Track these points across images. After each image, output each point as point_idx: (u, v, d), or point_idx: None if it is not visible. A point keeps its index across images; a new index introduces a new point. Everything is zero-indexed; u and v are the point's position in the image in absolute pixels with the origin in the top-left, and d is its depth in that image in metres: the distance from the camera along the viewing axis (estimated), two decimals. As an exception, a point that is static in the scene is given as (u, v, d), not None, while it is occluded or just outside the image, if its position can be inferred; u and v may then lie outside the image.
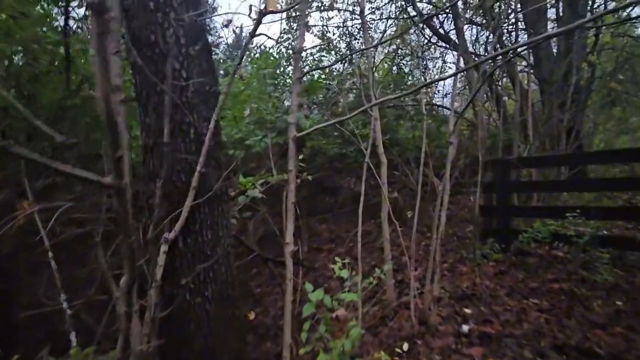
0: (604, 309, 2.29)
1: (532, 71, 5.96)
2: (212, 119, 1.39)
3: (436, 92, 8.31)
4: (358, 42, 7.88)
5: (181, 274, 1.44)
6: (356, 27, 7.55)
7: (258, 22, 1.21)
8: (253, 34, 1.27)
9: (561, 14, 5.54)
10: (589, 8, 6.15)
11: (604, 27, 7.16)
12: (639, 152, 2.73)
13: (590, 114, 8.50)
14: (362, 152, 6.42)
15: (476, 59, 6.04)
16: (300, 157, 3.22)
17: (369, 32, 7.33)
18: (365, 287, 2.08)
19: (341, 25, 7.72)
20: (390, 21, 7.70)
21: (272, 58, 4.74)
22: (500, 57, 5.34)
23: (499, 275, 3.05)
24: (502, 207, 3.45)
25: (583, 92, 6.22)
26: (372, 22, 7.15)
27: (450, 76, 2.24)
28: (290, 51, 5.31)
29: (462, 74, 5.95)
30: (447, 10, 6.61)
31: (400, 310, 2.69)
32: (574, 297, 2.47)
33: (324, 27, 8.18)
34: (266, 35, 1.52)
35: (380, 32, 8.75)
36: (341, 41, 8.06)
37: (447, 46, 7.36)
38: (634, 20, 7.31)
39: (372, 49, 7.85)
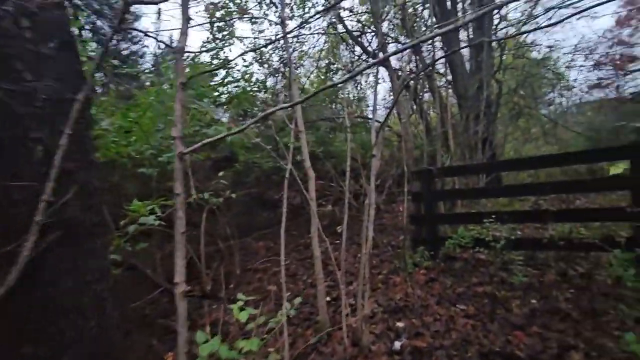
0: (522, 309, 2.40)
1: (450, 87, 6.47)
2: (64, 133, 1.08)
3: (366, 105, 8.63)
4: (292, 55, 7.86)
5: (25, 338, 1.07)
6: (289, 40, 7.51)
7: (123, 13, 1.00)
8: (119, 27, 1.04)
9: (471, 35, 6.10)
10: (492, 31, 6.91)
11: (507, 49, 8.17)
12: (540, 159, 3.03)
13: (500, 125, 9.58)
14: (299, 165, 6.26)
15: (400, 74, 6.37)
16: (221, 174, 2.95)
17: (299, 45, 7.36)
18: (272, 329, 1.85)
19: (273, 37, 7.64)
20: (320, 36, 7.85)
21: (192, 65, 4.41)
22: (422, 71, 5.69)
23: (429, 283, 3.08)
24: (430, 215, 3.55)
25: (493, 106, 6.92)
26: (302, 36, 7.17)
27: (348, 78, 2.22)
28: (216, 60, 5.03)
29: (390, 89, 6.24)
30: (372, 29, 6.95)
31: (334, 332, 2.54)
32: (495, 299, 2.56)
33: (255, 38, 8.04)
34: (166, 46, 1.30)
35: (312, 47, 8.89)
36: (274, 54, 7.97)
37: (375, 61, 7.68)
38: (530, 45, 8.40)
39: (295, 60, 7.84)
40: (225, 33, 5.17)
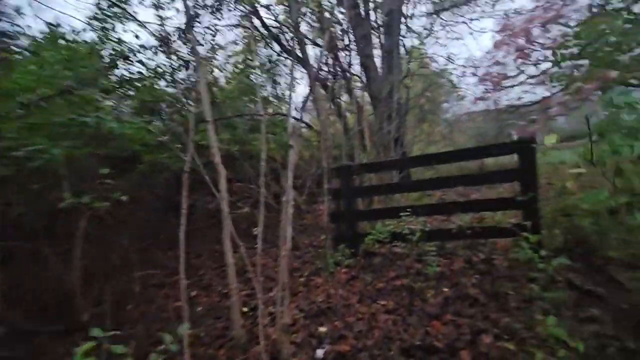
0: (436, 298, 2.47)
1: (365, 89, 6.73)
2: None
3: (286, 105, 8.49)
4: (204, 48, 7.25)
5: None
6: (197, 31, 6.89)
7: None
8: None
9: (383, 41, 6.43)
10: (401, 39, 7.44)
11: (412, 58, 8.92)
12: (447, 154, 3.26)
13: (409, 128, 10.49)
14: (214, 166, 5.72)
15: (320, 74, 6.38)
16: (105, 171, 2.41)
17: (210, 36, 6.82)
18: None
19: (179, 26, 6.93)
20: (237, 31, 7.44)
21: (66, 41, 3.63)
22: (339, 73, 5.77)
23: (350, 281, 3.03)
24: (349, 212, 3.52)
25: (403, 109, 7.47)
26: (214, 27, 6.66)
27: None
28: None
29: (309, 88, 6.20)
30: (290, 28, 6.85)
31: (251, 347, 2.26)
32: (413, 291, 2.60)
33: (161, 25, 7.20)
34: None
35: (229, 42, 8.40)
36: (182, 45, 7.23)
37: (293, 60, 7.59)
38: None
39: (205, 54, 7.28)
40: (117, 10, 4.42)
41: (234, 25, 6.88)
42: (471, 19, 9.15)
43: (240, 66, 7.83)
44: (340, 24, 6.91)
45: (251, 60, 7.96)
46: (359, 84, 6.84)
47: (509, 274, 2.58)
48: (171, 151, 5.03)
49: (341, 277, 3.10)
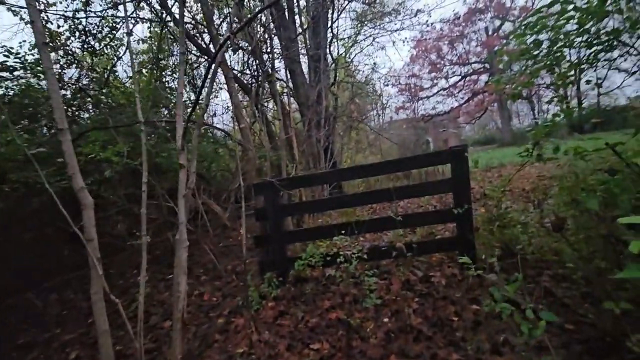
0: (377, 333, 2.14)
1: (292, 94, 6.37)
2: None
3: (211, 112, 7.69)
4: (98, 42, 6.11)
5: None
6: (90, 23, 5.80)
7: None
8: None
9: (308, 44, 6.15)
10: (328, 42, 7.28)
11: (339, 66, 8.88)
12: (383, 165, 2.98)
13: (339, 137, 10.46)
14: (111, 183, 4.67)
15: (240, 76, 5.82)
16: None
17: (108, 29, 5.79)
18: None
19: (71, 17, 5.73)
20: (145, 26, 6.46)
21: None
22: (263, 76, 5.29)
23: (278, 319, 2.54)
24: (276, 234, 3.05)
25: (332, 116, 7.30)
26: (110, 17, 5.66)
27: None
28: None
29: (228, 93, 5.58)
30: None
31: None
32: (350, 328, 2.23)
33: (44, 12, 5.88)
34: None
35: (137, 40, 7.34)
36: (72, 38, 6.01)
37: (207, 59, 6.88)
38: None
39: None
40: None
41: (139, 19, 5.93)
42: (392, 31, 9.52)
43: (147, 66, 6.85)
44: (265, 26, 6.47)
45: (162, 59, 7.03)
46: (285, 90, 6.44)
47: (449, 295, 2.38)
48: (51, 169, 3.99)
49: (267, 315, 2.60)
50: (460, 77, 33.52)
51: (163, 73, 6.96)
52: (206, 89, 2.22)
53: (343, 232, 2.77)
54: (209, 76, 2.62)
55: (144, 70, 7.05)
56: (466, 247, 2.55)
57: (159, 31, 6.19)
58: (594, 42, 2.20)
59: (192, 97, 7.25)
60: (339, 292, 2.76)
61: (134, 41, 7.40)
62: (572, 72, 2.35)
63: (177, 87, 1.98)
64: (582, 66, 2.41)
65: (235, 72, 6.17)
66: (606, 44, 2.19)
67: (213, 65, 2.05)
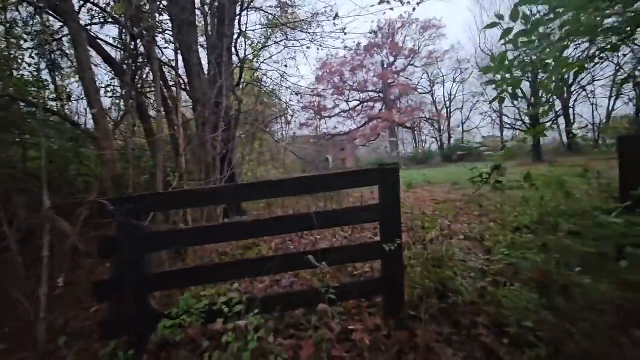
0: None
1: (184, 87, 5.25)
2: None
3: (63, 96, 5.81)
4: None
5: None
6: None
7: None
8: None
9: (209, 30, 5.19)
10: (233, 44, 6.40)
11: (246, 67, 8.04)
12: (286, 184, 2.27)
13: (240, 145, 9.47)
14: None
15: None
16: None
17: None
18: None
19: None
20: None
21: None
22: (142, 55, 4.10)
23: None
24: (133, 278, 2.02)
25: (233, 122, 6.37)
26: None
27: None
28: None
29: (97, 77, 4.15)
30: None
31: None
32: None
33: None
34: None
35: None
36: None
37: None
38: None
39: None
40: None
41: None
42: (302, 44, 9.18)
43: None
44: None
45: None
46: (175, 81, 5.27)
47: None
48: None
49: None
50: (359, 102, 36.42)
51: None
52: None
53: (239, 273, 1.96)
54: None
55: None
56: (394, 292, 2.06)
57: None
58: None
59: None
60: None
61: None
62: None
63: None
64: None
65: (106, 46, 4.73)
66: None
67: None
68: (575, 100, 22.36)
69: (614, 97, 21.50)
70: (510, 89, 2.20)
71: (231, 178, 6.10)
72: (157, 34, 4.83)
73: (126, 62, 3.88)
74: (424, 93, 34.77)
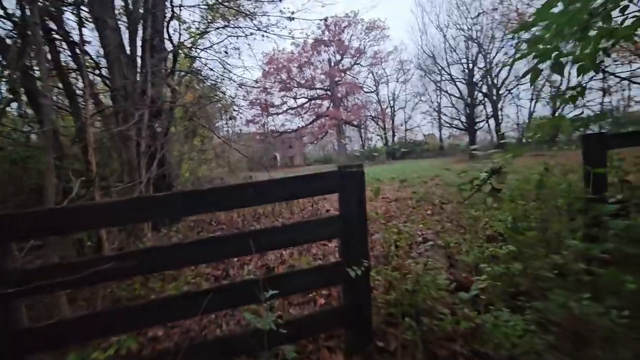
0: None
1: (100, 72, 4.38)
2: None
3: None
4: None
5: None
6: None
7: None
8: None
9: (130, 6, 4.37)
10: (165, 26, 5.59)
11: (183, 55, 7.16)
12: (226, 193, 1.70)
13: (177, 142, 8.50)
14: None
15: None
16: None
17: None
18: None
19: None
20: None
21: None
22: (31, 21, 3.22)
23: None
24: (-7, 333, 1.36)
25: (167, 116, 5.56)
26: None
27: None
28: None
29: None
30: None
31: None
32: None
33: None
34: None
35: None
36: None
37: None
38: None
39: None
40: None
41: None
42: (246, 33, 8.50)
43: None
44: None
45: None
46: (82, 62, 4.34)
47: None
48: None
49: None
50: (306, 99, 36.13)
51: None
52: None
53: (149, 319, 1.42)
54: None
55: None
56: (359, 323, 1.69)
57: None
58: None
59: None
60: None
61: None
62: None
63: None
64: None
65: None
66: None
67: None
68: (503, 102, 24.56)
69: (535, 100, 23.97)
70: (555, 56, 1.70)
71: (165, 179, 5.33)
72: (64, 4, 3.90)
73: (10, 35, 2.98)
74: (369, 92, 35.67)
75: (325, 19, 29.71)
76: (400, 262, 1.93)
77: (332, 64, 34.42)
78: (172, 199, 1.49)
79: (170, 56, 6.41)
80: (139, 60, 4.69)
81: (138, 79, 4.51)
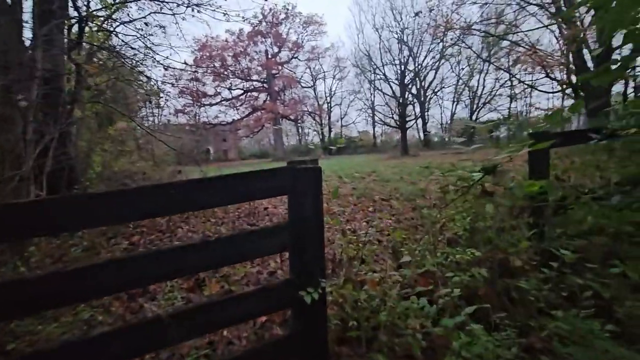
0: None
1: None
2: None
3: None
4: None
5: None
6: None
7: None
8: None
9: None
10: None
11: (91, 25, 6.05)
12: (147, 193, 1.24)
13: (86, 129, 7.25)
14: None
15: None
16: None
17: None
18: None
19: None
20: None
21: None
22: None
23: None
24: None
25: (66, 96, 4.60)
26: None
27: None
28: None
29: None
30: None
31: None
32: None
33: None
34: None
35: None
36: None
37: None
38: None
39: None
40: None
41: None
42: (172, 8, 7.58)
43: None
44: None
45: None
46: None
47: None
48: None
49: None
50: (242, 91, 34.60)
51: None
52: None
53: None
54: None
55: None
56: (313, 352, 1.43)
57: None
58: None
59: None
60: None
61: None
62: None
63: None
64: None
65: None
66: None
67: None
68: (429, 104, 26.58)
69: (456, 102, 26.44)
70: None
71: (62, 172, 4.37)
72: None
73: None
74: (306, 87, 35.64)
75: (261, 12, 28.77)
76: (351, 270, 1.72)
77: (270, 56, 33.49)
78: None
79: (76, 27, 5.37)
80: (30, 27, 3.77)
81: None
